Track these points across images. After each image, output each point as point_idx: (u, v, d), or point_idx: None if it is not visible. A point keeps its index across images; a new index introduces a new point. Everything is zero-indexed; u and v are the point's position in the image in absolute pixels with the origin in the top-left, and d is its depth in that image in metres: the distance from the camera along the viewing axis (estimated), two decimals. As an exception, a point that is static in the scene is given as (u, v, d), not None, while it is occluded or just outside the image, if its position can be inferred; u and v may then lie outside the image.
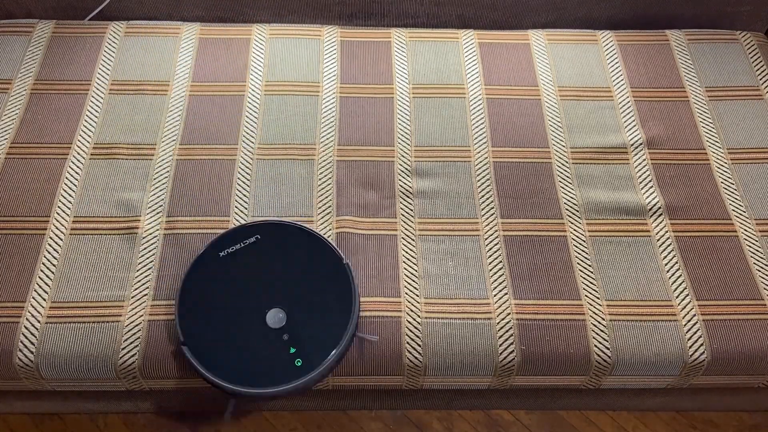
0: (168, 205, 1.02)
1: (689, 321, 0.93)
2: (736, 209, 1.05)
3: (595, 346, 0.92)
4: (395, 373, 0.93)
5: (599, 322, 0.93)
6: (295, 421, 1.17)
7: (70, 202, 1.02)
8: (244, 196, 1.04)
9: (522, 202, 1.05)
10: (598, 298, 0.95)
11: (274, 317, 0.89)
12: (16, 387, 0.95)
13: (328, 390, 0.99)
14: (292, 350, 0.87)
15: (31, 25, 1.25)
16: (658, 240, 1.01)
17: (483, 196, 1.05)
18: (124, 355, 0.90)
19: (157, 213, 1.01)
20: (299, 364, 0.86)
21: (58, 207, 1.01)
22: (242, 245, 0.96)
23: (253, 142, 1.10)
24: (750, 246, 1.01)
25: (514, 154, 1.10)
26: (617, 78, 1.21)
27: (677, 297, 0.96)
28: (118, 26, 1.25)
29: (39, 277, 0.95)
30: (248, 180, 1.06)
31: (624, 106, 1.17)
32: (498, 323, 0.93)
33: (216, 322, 0.89)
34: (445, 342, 0.92)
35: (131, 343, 0.90)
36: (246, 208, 1.02)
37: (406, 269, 0.97)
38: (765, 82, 1.21)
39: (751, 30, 1.32)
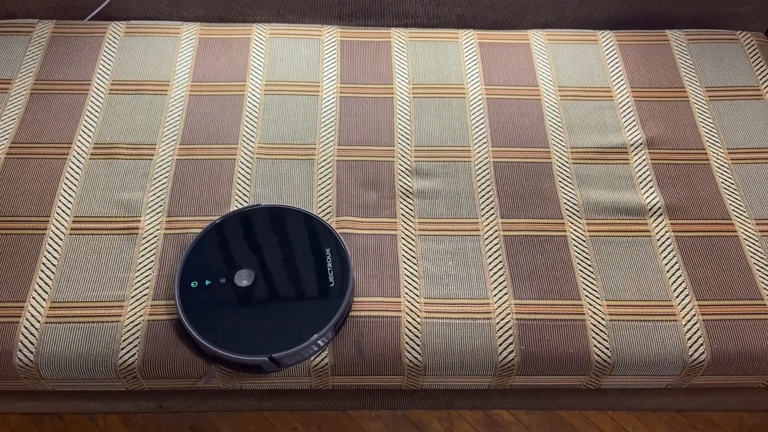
0: (168, 205, 1.02)
1: (689, 321, 0.93)
2: (736, 209, 1.05)
3: (595, 346, 0.92)
4: (395, 373, 0.93)
5: (599, 322, 0.93)
6: (295, 421, 1.17)
7: (70, 202, 1.02)
8: (244, 195, 1.04)
9: (522, 202, 1.05)
10: (598, 298, 0.95)
11: (244, 276, 0.92)
12: (16, 387, 0.95)
13: (328, 390, 0.99)
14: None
15: (31, 25, 1.25)
16: (658, 240, 1.01)
17: (483, 196, 1.05)
18: (124, 355, 0.90)
19: (157, 213, 1.01)
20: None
21: (58, 207, 1.01)
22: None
23: (253, 142, 1.10)
24: (750, 246, 1.01)
25: (514, 154, 1.10)
26: (617, 78, 1.21)
27: (677, 297, 0.96)
28: (118, 26, 1.25)
29: (39, 277, 0.95)
30: (248, 179, 1.06)
31: (624, 106, 1.17)
32: (498, 323, 0.93)
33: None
34: (445, 342, 0.92)
35: (131, 343, 0.90)
36: (246, 208, 1.02)
37: (406, 269, 0.97)
38: (765, 82, 1.21)
39: (751, 30, 1.32)
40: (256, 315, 0.90)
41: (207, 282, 0.92)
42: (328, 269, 0.92)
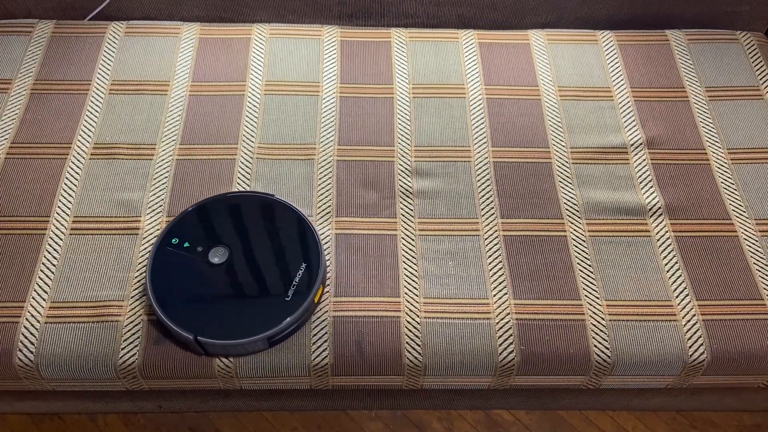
0: (168, 205, 1.02)
1: (689, 321, 0.93)
2: (736, 209, 1.05)
3: (595, 346, 0.92)
4: (395, 373, 0.93)
5: (599, 322, 0.93)
6: (295, 421, 1.17)
7: (70, 202, 1.02)
8: (244, 196, 1.04)
9: (522, 202, 1.05)
10: (597, 298, 0.95)
11: (218, 254, 0.93)
12: (16, 387, 0.95)
13: (328, 390, 0.99)
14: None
15: (31, 25, 1.25)
16: (658, 240, 1.01)
17: (483, 196, 1.05)
18: (124, 355, 0.90)
19: (157, 213, 1.01)
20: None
21: (58, 207, 1.01)
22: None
23: (253, 142, 1.10)
24: (750, 246, 1.01)
25: (514, 154, 1.10)
26: (617, 78, 1.21)
27: (677, 297, 0.96)
28: (118, 26, 1.25)
29: (39, 277, 0.95)
30: (248, 180, 1.06)
31: (624, 106, 1.17)
32: (498, 323, 0.93)
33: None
34: (445, 342, 0.92)
35: (131, 342, 0.90)
36: (246, 208, 1.02)
37: (405, 269, 0.97)
38: (765, 82, 1.21)
39: (751, 30, 1.32)
40: (209, 294, 0.90)
41: (186, 244, 0.94)
42: (292, 283, 0.91)
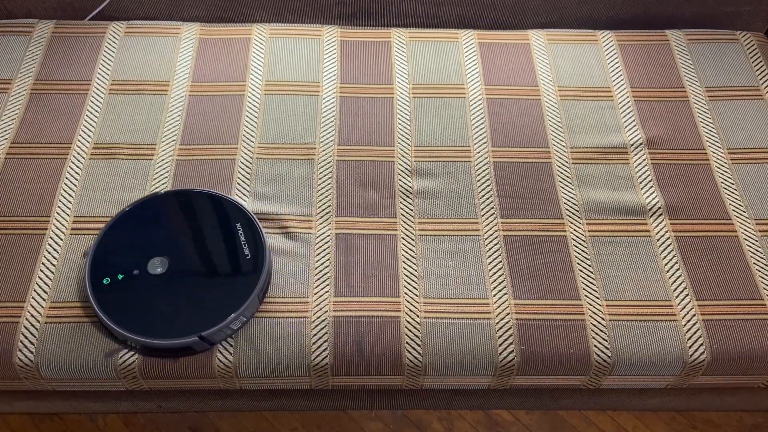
0: (168, 205, 1.02)
1: (689, 321, 0.93)
2: (736, 209, 1.05)
3: (595, 346, 0.92)
4: (395, 373, 0.93)
5: (599, 322, 0.93)
6: (295, 421, 1.17)
7: (70, 202, 1.02)
8: (244, 195, 1.04)
9: (522, 202, 1.05)
10: (597, 298, 0.95)
11: (158, 264, 0.92)
12: (16, 387, 0.95)
13: (328, 390, 0.99)
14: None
15: (31, 25, 1.25)
16: (658, 240, 1.01)
17: (483, 196, 1.05)
18: (124, 355, 0.90)
19: (157, 213, 1.01)
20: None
21: (58, 207, 1.01)
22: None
23: (253, 142, 1.10)
24: (750, 246, 1.01)
25: (514, 154, 1.10)
26: (617, 78, 1.21)
27: (677, 297, 0.96)
28: (118, 26, 1.25)
29: (39, 277, 0.95)
30: (248, 180, 1.06)
31: (624, 106, 1.17)
32: (498, 323, 0.93)
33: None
34: (445, 342, 0.92)
35: (130, 343, 0.90)
36: (246, 208, 1.02)
37: (405, 269, 0.97)
38: (765, 82, 1.21)
39: (751, 30, 1.32)
40: (179, 299, 0.90)
41: (120, 276, 0.92)
42: (242, 243, 0.94)
